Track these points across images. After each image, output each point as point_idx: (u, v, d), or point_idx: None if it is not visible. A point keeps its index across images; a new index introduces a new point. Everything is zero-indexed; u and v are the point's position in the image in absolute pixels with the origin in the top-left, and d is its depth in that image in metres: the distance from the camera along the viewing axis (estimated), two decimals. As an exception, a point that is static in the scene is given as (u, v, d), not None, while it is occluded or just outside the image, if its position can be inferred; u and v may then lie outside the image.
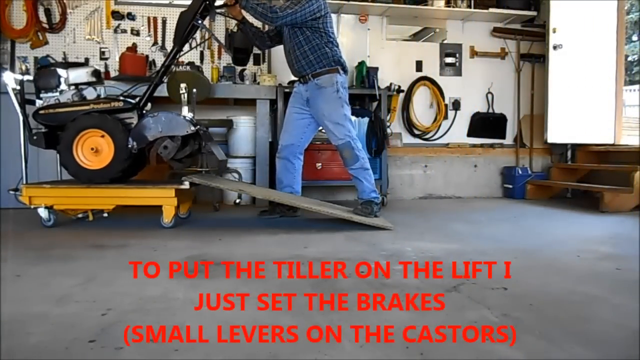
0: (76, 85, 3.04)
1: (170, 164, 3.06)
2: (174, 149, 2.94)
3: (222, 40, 4.48)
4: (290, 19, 3.03)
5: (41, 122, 3.00)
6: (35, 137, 2.99)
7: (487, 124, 5.09)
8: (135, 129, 2.92)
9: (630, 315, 1.47)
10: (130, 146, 2.90)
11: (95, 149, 2.92)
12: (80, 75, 3.05)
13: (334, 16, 4.75)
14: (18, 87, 2.98)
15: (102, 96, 3.07)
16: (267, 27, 3.48)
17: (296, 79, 3.40)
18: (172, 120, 2.95)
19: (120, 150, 2.90)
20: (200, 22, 3.05)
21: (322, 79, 3.17)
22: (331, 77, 3.16)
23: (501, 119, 5.12)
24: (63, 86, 3.03)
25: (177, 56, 3.16)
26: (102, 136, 2.92)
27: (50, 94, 3.01)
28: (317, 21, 3.12)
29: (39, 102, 3.03)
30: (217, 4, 3.16)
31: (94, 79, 3.06)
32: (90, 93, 3.05)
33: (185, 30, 3.04)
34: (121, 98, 3.02)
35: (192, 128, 2.95)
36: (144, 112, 3.09)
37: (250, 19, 3.28)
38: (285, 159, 3.39)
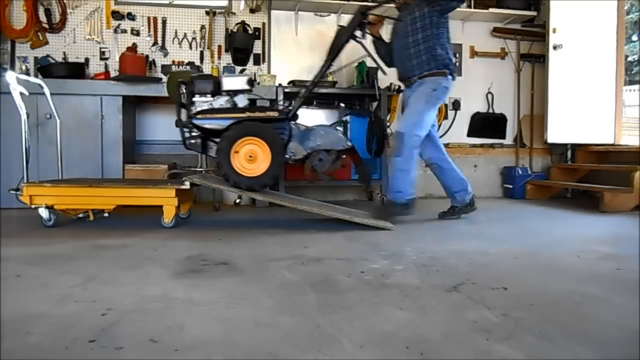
0: (229, 92, 3.08)
1: (320, 176, 3.10)
2: (329, 162, 3.02)
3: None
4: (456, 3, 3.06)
5: (197, 127, 3.01)
6: (193, 142, 3.04)
7: (487, 124, 5.09)
8: (295, 140, 3.00)
9: (630, 315, 1.47)
10: (288, 156, 2.98)
11: (252, 157, 2.95)
12: (235, 82, 3.10)
13: (333, 16, 4.76)
14: (20, 88, 2.97)
15: (249, 105, 3.14)
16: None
17: (400, 81, 3.39)
18: (331, 135, 3.04)
19: (276, 159, 2.94)
20: (359, 37, 3.10)
21: (426, 80, 3.16)
22: (436, 79, 3.14)
23: (501, 119, 5.12)
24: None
25: (328, 70, 3.19)
26: (259, 145, 2.95)
27: (203, 99, 3.05)
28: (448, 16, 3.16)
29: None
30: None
31: (247, 87, 3.11)
32: (241, 100, 3.10)
33: (342, 45, 3.09)
34: (275, 107, 3.09)
35: (349, 143, 3.03)
36: (293, 123, 3.13)
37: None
38: (438, 166, 3.38)
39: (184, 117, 3.11)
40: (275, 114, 3.03)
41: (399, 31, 3.27)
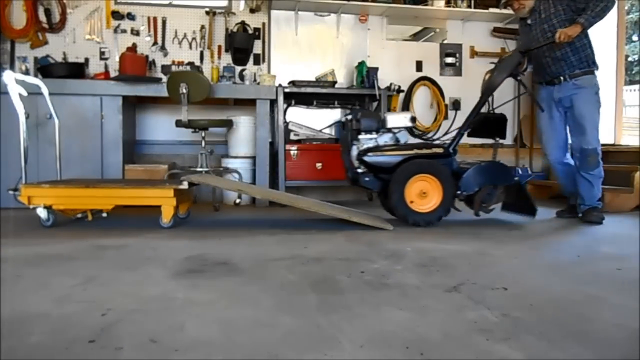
0: (390, 129, 3.17)
1: (484, 210, 3.19)
2: (497, 197, 3.12)
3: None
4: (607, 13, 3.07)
5: (368, 163, 3.06)
6: (367, 179, 3.08)
7: (487, 124, 5.08)
8: (466, 178, 3.06)
9: (630, 315, 1.47)
10: (459, 192, 3.05)
11: (425, 193, 3.04)
12: (399, 119, 3.19)
13: (333, 16, 4.76)
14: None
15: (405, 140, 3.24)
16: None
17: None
18: (500, 170, 3.16)
19: (447, 195, 3.03)
20: (518, 76, 3.22)
21: (582, 80, 3.19)
22: (591, 78, 3.19)
23: (501, 119, 5.10)
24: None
25: (482, 105, 3.31)
26: (431, 181, 3.04)
27: (369, 136, 3.13)
28: None
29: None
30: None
31: (410, 124, 3.20)
32: (402, 137, 3.20)
33: (499, 84, 3.20)
34: (439, 144, 3.16)
35: (516, 178, 3.16)
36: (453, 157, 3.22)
37: None
38: (560, 164, 3.43)
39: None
40: (440, 150, 3.12)
41: (538, 36, 3.27)
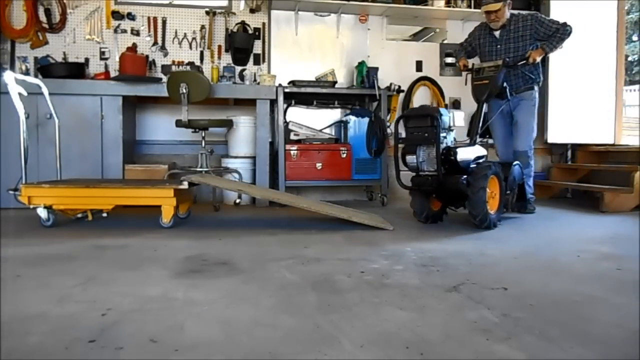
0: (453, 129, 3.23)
1: (520, 208, 3.53)
2: (516, 194, 3.42)
3: (225, 43, 4.47)
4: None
5: (456, 164, 3.04)
6: (465, 182, 2.97)
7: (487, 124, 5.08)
8: (509, 180, 3.24)
9: (630, 316, 1.47)
10: (508, 193, 3.22)
11: (494, 194, 3.10)
12: (459, 117, 3.28)
13: (334, 16, 4.76)
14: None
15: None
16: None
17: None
18: (519, 171, 3.44)
19: (502, 195, 3.13)
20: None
21: (523, 94, 3.59)
22: (531, 92, 3.59)
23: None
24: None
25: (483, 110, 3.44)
26: (495, 182, 3.10)
27: (443, 134, 3.04)
28: None
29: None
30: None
31: (463, 124, 3.36)
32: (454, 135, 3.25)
33: (496, 93, 3.44)
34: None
35: (524, 178, 3.51)
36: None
37: None
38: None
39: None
40: (485, 151, 3.27)
41: (502, 51, 3.63)
